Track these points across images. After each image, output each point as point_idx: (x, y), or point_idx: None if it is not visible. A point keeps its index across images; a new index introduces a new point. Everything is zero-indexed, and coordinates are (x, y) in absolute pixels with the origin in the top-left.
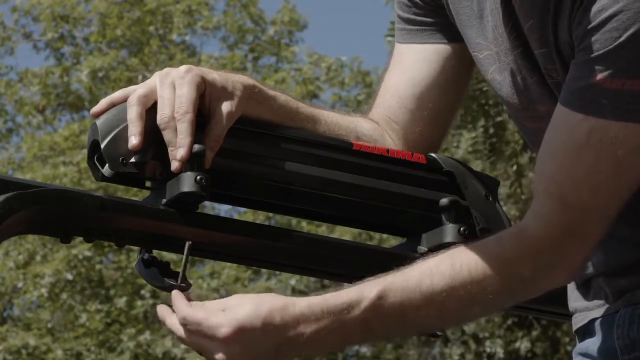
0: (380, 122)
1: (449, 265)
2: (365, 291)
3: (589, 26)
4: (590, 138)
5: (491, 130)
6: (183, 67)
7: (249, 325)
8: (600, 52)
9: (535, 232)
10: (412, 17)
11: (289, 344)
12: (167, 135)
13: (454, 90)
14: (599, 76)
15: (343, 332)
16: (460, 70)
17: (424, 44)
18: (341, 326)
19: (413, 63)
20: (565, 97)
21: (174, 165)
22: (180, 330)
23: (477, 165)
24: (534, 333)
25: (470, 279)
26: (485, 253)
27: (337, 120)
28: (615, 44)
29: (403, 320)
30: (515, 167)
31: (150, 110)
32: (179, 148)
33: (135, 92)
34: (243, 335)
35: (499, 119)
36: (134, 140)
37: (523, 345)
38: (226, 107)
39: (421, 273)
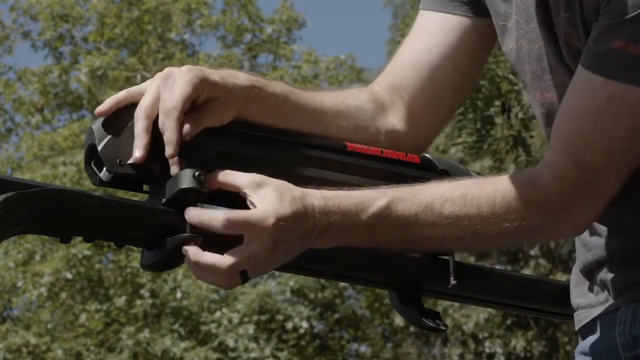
0: (386, 89)
1: (461, 195)
2: (376, 198)
3: None
4: (609, 102)
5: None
6: (184, 67)
7: (284, 212)
8: (624, 17)
9: (548, 185)
10: None
11: (308, 232)
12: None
13: (467, 69)
14: (621, 41)
15: (350, 231)
16: (476, 49)
17: (447, 14)
18: (348, 225)
19: (432, 31)
20: (586, 60)
21: (172, 166)
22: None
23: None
24: (532, 333)
25: (477, 213)
26: (495, 192)
27: (336, 114)
28: (639, 10)
29: (405, 235)
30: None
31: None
32: (167, 145)
33: (142, 105)
34: (282, 222)
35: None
36: (137, 153)
37: (519, 344)
38: (221, 106)
39: (432, 195)
